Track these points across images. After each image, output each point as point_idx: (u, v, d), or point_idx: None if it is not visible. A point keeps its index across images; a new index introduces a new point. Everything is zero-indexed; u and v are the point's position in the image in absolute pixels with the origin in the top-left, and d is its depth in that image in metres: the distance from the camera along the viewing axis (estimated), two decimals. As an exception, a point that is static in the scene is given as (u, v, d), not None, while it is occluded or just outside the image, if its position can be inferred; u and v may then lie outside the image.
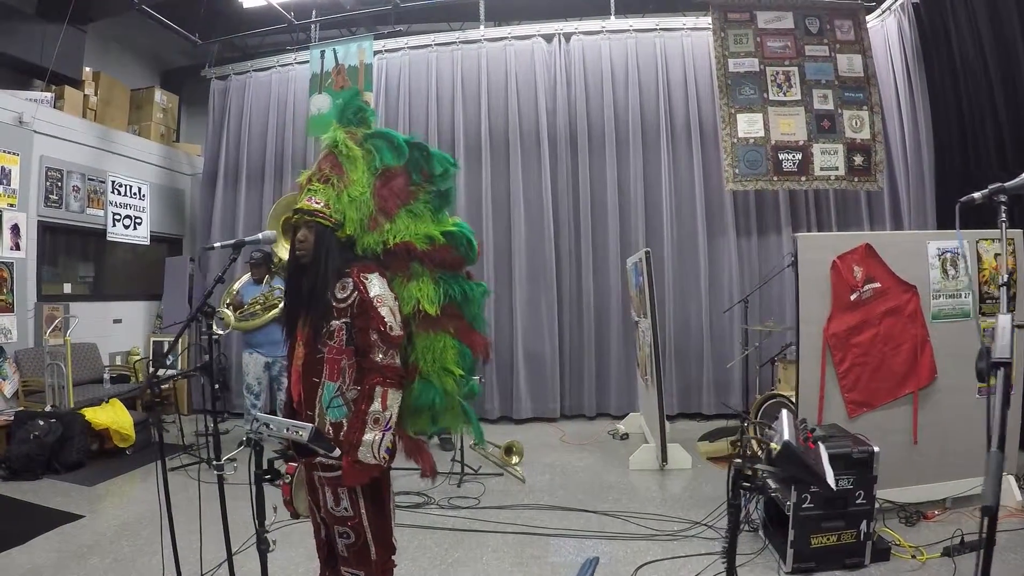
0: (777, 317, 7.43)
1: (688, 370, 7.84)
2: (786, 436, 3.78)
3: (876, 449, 3.81)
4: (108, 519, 5.04)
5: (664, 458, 5.84)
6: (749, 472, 2.64)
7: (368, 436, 2.42)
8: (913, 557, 3.82)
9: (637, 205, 8.01)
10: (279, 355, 6.92)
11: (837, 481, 3.52)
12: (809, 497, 3.70)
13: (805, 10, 7.86)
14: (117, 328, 8.91)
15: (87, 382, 7.83)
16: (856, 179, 7.70)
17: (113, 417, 6.68)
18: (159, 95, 9.37)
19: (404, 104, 8.29)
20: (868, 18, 8.04)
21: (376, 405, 2.45)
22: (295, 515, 2.75)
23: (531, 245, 8.08)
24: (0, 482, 5.92)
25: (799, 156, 7.67)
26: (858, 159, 7.70)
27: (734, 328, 7.72)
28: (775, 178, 7.67)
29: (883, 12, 8.02)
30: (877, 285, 4.54)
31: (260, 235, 3.06)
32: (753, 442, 5.70)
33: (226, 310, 6.96)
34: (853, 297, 4.52)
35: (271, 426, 2.41)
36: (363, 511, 2.56)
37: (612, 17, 8.19)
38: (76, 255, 8.77)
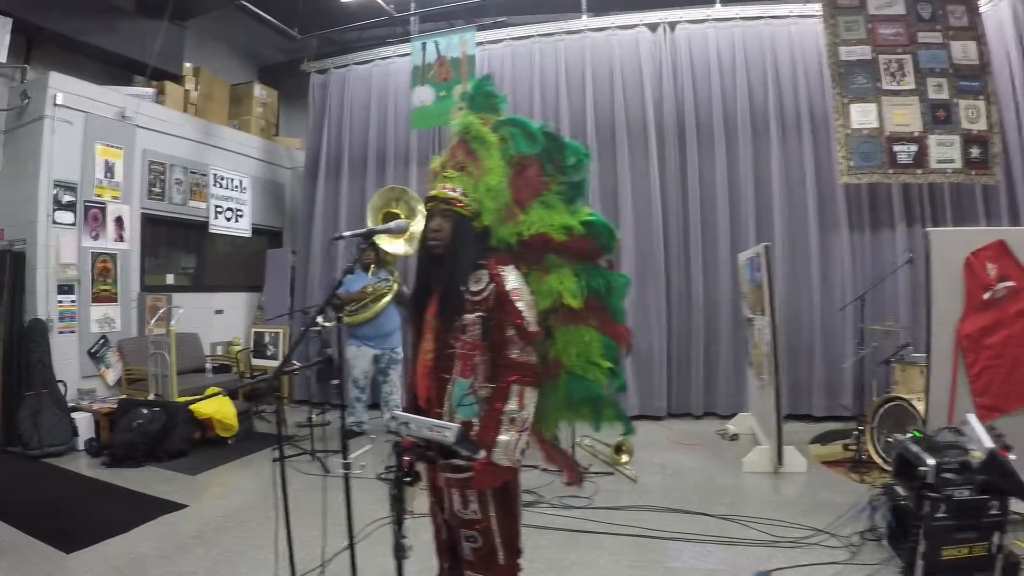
0: (891, 316, 7.02)
1: (798, 370, 7.45)
2: (987, 444, 3.56)
3: (1014, 457, 3.48)
4: (212, 509, 4.93)
5: (780, 461, 5.54)
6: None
7: (504, 437, 2.26)
8: None
9: (747, 198, 7.65)
10: (387, 348, 6.74)
11: (971, 489, 3.33)
12: (943, 506, 3.35)
13: None
14: (218, 319, 8.82)
15: (189, 371, 7.81)
16: (973, 172, 7.19)
17: (216, 407, 6.64)
18: (258, 89, 9.24)
19: (509, 94, 7.90)
20: (980, 3, 7.47)
21: (512, 404, 2.29)
22: (408, 513, 2.52)
23: (639, 239, 7.78)
24: (103, 468, 5.89)
25: (914, 148, 7.20)
26: (975, 151, 7.19)
27: (846, 327, 7.33)
28: (890, 171, 7.22)
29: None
30: (1011, 284, 4.25)
31: (393, 224, 2.82)
32: (869, 447, 5.52)
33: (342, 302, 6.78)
34: (986, 296, 4.26)
35: (411, 425, 2.18)
36: (492, 514, 2.40)
37: (718, 5, 7.83)
38: (178, 246, 8.69)
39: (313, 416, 6.73)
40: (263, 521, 4.55)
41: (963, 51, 7.32)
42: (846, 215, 7.52)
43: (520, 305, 2.35)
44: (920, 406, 5.00)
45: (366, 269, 6.75)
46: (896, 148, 7.21)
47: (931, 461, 3.40)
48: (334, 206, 8.51)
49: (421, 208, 6.78)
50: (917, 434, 3.90)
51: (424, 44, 7.92)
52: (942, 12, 7.35)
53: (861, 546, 3.95)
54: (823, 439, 6.50)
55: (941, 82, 7.29)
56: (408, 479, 2.33)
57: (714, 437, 6.82)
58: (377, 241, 6.61)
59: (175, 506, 4.92)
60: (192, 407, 6.41)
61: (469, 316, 2.36)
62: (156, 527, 4.53)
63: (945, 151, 7.21)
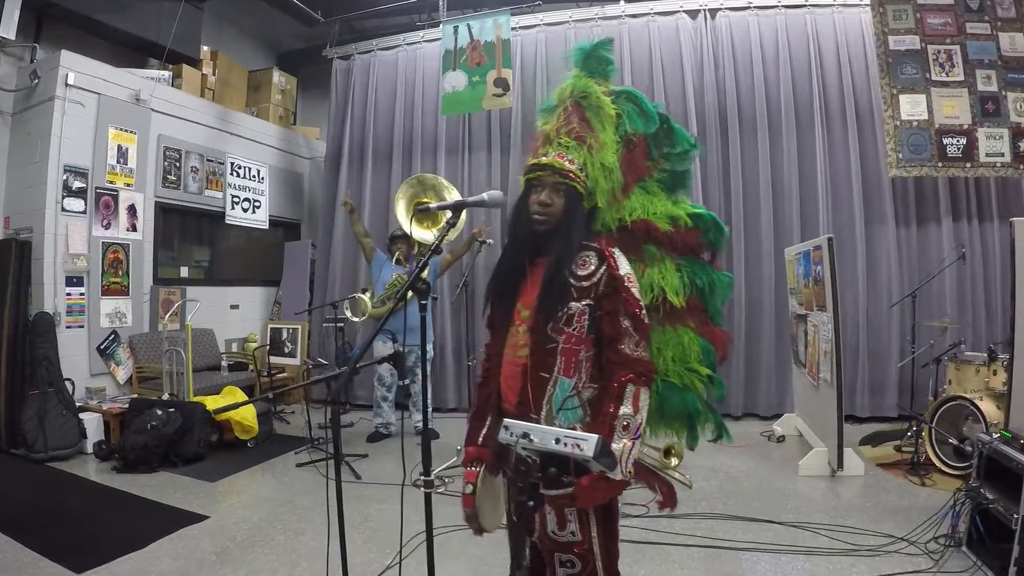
0: (939, 314, 6.49)
1: (843, 368, 6.82)
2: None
3: None
4: (236, 521, 4.29)
5: (840, 464, 5.06)
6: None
7: (616, 446, 1.86)
8: None
9: (791, 192, 7.05)
10: (415, 343, 6.07)
11: None
12: None
13: None
14: (233, 314, 8.12)
15: (204, 369, 7.14)
16: (1022, 166, 6.73)
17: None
18: (277, 76, 8.52)
19: (542, 83, 7.34)
20: None
21: (627, 408, 1.91)
22: (479, 531, 2.14)
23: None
24: (114, 474, 5.22)
25: (963, 141, 6.69)
26: (1023, 145, 6.74)
27: (892, 325, 6.80)
28: (939, 164, 6.70)
29: None
30: None
31: (486, 195, 2.18)
32: (927, 448, 5.14)
33: (363, 295, 6.10)
34: None
35: (533, 437, 1.68)
36: (594, 535, 2.04)
37: (759, -10, 7.23)
38: (192, 238, 7.98)
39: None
40: (293, 535, 4.03)
41: (1011, 43, 6.87)
42: (892, 209, 6.98)
43: (636, 293, 2.00)
44: (984, 405, 4.76)
45: (398, 261, 6.13)
46: (946, 140, 6.73)
47: None
48: (357, 197, 7.72)
49: (453, 196, 6.15)
50: (1007, 434, 3.61)
51: (456, 28, 7.22)
52: (990, 3, 6.90)
53: (943, 553, 3.61)
54: (873, 440, 6.03)
55: (990, 74, 6.82)
56: (532, 504, 1.80)
57: (759, 439, 6.25)
58: (407, 231, 6.02)
59: (195, 517, 4.29)
60: (210, 407, 5.72)
61: (576, 304, 1.97)
62: (175, 542, 3.92)
63: (994, 144, 6.76)
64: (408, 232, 6.01)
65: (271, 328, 8.08)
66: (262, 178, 8.21)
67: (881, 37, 6.80)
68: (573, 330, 1.98)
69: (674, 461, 5.20)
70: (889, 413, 6.70)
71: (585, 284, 1.99)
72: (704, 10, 7.25)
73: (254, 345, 7.87)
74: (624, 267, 2.02)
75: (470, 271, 6.45)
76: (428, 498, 2.21)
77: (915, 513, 4.19)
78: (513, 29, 7.29)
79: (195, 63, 7.69)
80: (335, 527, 2.46)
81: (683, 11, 7.23)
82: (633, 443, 1.90)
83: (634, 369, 1.94)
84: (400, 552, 3.47)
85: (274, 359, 7.58)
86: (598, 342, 2.00)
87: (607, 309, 1.98)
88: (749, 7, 7.22)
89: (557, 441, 1.65)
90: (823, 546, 3.80)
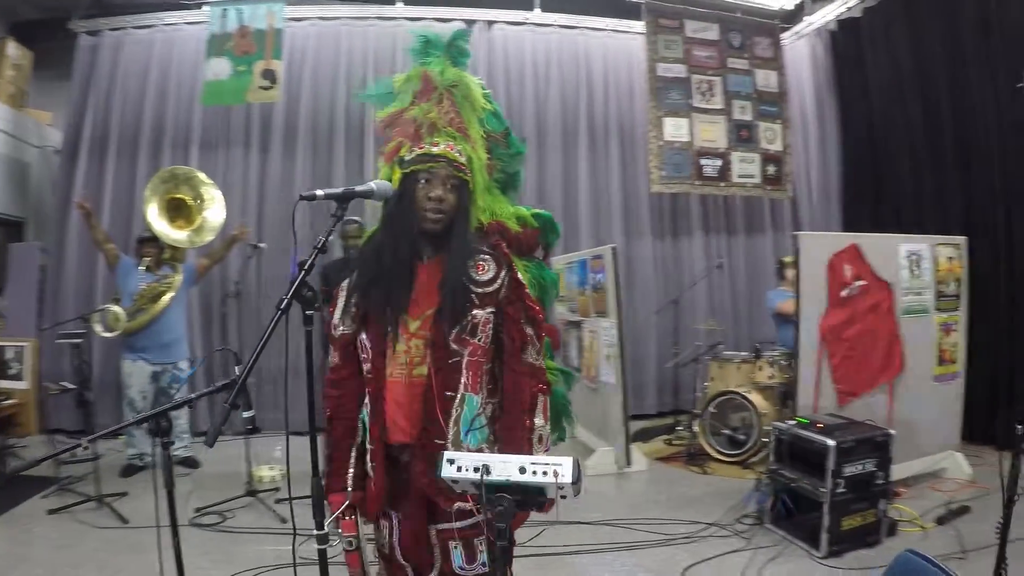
0: (700, 318, 6.81)
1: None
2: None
3: (893, 432, 3.84)
4: None
5: (628, 461, 5.27)
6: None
7: None
8: (923, 528, 3.88)
9: (555, 204, 7.10)
10: (169, 361, 5.31)
11: (862, 464, 3.66)
12: (843, 482, 3.58)
13: (729, 24, 7.43)
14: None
15: None
16: (769, 187, 7.46)
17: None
18: (12, 48, 7.23)
19: (309, 80, 6.86)
20: (784, 37, 7.76)
21: (539, 419, 1.84)
22: None
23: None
24: None
25: (719, 162, 7.24)
26: (771, 169, 7.44)
27: (650, 330, 7.12)
28: (697, 182, 7.16)
29: (797, 36, 7.85)
30: (863, 283, 4.48)
31: (373, 184, 1.85)
32: (702, 439, 5.49)
33: (114, 306, 5.17)
34: (843, 294, 4.43)
35: (492, 469, 1.44)
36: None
37: (537, 10, 7.25)
38: None
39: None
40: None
41: (766, 79, 7.56)
42: (649, 223, 7.40)
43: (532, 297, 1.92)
44: (753, 397, 5.27)
45: (148, 268, 5.28)
46: (703, 161, 7.19)
47: (831, 442, 3.57)
48: (97, 194, 6.67)
49: (212, 194, 5.44)
50: (803, 420, 3.98)
51: (225, 11, 6.49)
52: (750, 42, 7.54)
53: (751, 532, 3.90)
54: (641, 437, 6.25)
55: (745, 104, 7.44)
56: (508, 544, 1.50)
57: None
58: (158, 231, 5.19)
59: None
60: None
61: (480, 312, 1.81)
62: None
63: (747, 167, 7.35)
64: (158, 234, 5.22)
65: (-12, 343, 6.83)
66: (-21, 165, 6.93)
67: (652, 63, 7.12)
68: (479, 341, 1.80)
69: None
70: (649, 411, 7.02)
71: (488, 290, 1.82)
72: (482, 21, 7.15)
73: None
74: (519, 272, 1.92)
75: (242, 279, 5.66)
76: (323, 558, 1.74)
77: (709, 499, 4.48)
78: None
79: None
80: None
81: (461, 20, 7.03)
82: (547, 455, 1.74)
83: (540, 378, 1.86)
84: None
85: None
86: (496, 351, 1.87)
87: (512, 316, 1.84)
88: (526, 23, 7.23)
89: (523, 471, 1.43)
90: (641, 540, 3.85)
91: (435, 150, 1.85)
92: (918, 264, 4.73)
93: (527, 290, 1.90)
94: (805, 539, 3.66)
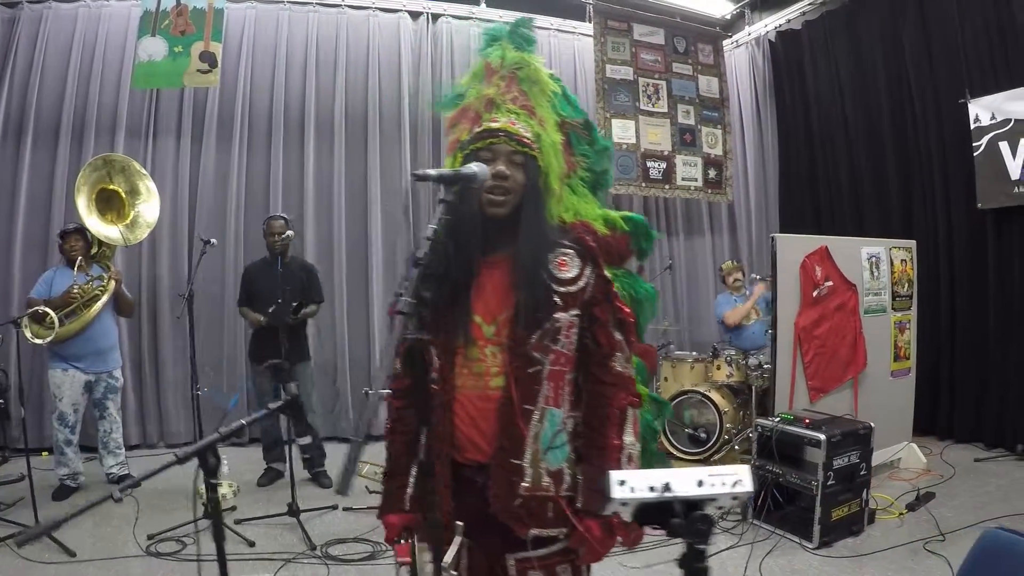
0: (657, 318, 6.66)
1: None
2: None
3: (872, 425, 3.99)
4: None
5: None
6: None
7: None
8: (900, 515, 4.08)
9: None
10: (103, 370, 4.83)
11: (848, 456, 3.77)
12: (832, 475, 3.67)
13: (674, 29, 7.45)
14: None
15: None
16: (710, 191, 7.53)
17: None
18: None
19: (246, 65, 6.43)
20: (724, 45, 7.87)
21: (629, 436, 1.62)
22: None
23: (388, 238, 6.63)
24: None
25: (664, 165, 7.24)
26: (712, 173, 7.51)
27: None
28: (643, 184, 7.13)
29: (736, 45, 7.98)
30: (831, 283, 4.65)
31: (475, 166, 1.52)
32: (663, 438, 5.42)
33: (49, 310, 4.53)
34: (815, 294, 4.58)
35: (673, 487, 1.21)
36: None
37: (483, 4, 7.08)
38: None
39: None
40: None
41: (708, 85, 7.65)
42: None
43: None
44: (713, 396, 5.30)
45: (71, 264, 4.74)
46: (649, 164, 7.18)
47: (822, 436, 3.66)
48: (11, 180, 6.08)
49: (148, 186, 4.99)
50: (788, 416, 4.04)
51: None
52: (694, 48, 7.60)
53: (739, 527, 3.95)
54: None
55: (689, 109, 7.50)
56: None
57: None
58: (89, 226, 4.73)
59: None
60: None
61: (564, 316, 1.58)
62: None
63: (689, 170, 7.40)
64: (90, 229, 4.74)
65: None
66: None
67: (600, 65, 7.05)
68: (562, 348, 1.58)
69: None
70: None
71: (572, 289, 1.60)
72: (427, 13, 6.91)
73: None
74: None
75: (192, 277, 5.11)
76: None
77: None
78: None
79: None
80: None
81: (406, 11, 6.81)
82: None
83: (630, 390, 1.64)
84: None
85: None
86: (581, 360, 1.64)
87: (600, 319, 1.63)
88: (472, 17, 7.02)
89: (701, 484, 1.22)
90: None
91: (494, 125, 1.66)
92: (877, 266, 5.00)
93: (616, 290, 1.71)
94: (795, 531, 3.76)
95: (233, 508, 4.32)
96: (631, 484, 1.24)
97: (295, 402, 1.89)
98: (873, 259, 4.95)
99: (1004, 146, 5.52)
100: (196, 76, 5.94)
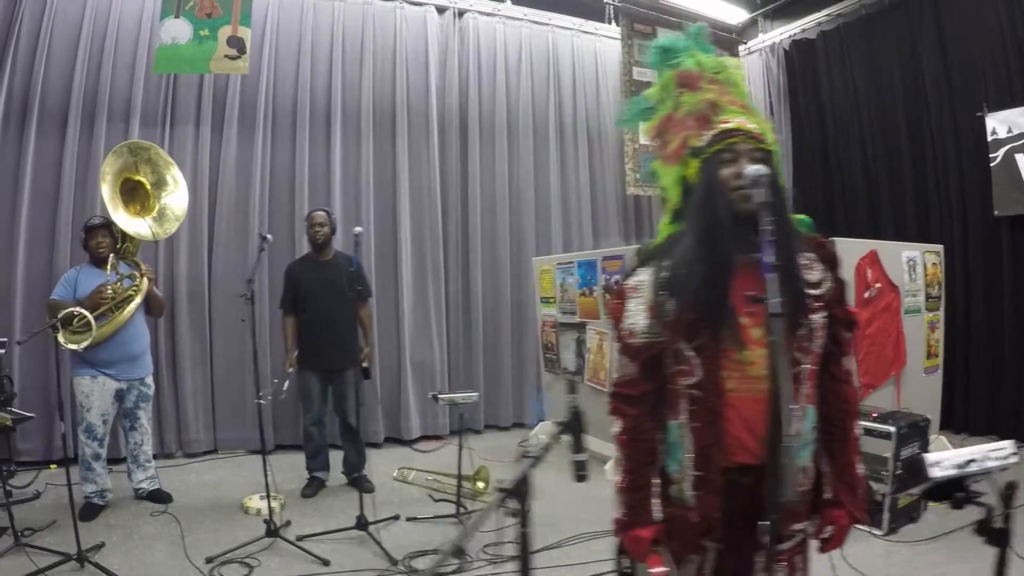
0: None
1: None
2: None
3: (930, 417, 4.17)
4: None
5: None
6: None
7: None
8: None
9: (528, 201, 7.01)
10: (135, 378, 4.42)
11: (912, 447, 3.92)
12: (901, 464, 3.78)
13: None
14: None
15: None
16: None
17: None
18: None
19: (270, 53, 6.11)
20: (741, 50, 8.03)
21: (858, 428, 1.76)
22: None
23: (416, 236, 6.47)
24: None
25: None
26: None
27: None
28: None
29: (749, 51, 8.08)
30: (880, 285, 4.75)
31: (753, 168, 1.55)
32: None
33: (85, 312, 4.09)
34: (866, 295, 4.66)
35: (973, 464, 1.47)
36: None
37: (508, 2, 6.99)
38: None
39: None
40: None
41: None
42: (617, 224, 7.45)
43: None
44: None
45: (100, 262, 4.35)
46: None
47: (892, 428, 3.84)
48: (15, 172, 5.49)
49: (173, 175, 4.66)
50: None
51: None
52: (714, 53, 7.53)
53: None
54: None
55: None
56: None
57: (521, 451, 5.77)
58: (116, 220, 4.34)
59: None
60: None
61: (816, 317, 1.61)
62: None
63: None
64: (118, 224, 4.36)
65: None
66: None
67: (627, 67, 7.08)
68: (817, 347, 1.63)
69: (480, 485, 4.60)
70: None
71: (819, 292, 1.64)
72: (453, 8, 6.77)
73: None
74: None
75: (253, 276, 4.62)
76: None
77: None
78: (243, -16, 5.97)
79: None
80: None
81: (432, 4, 6.66)
82: None
83: (853, 384, 1.76)
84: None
85: None
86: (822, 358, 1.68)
87: (841, 319, 1.69)
88: (497, 15, 6.93)
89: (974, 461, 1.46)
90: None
91: (729, 125, 1.66)
92: (914, 269, 5.15)
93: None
94: (872, 520, 3.79)
95: (288, 523, 4.00)
96: (942, 464, 1.50)
97: (578, 416, 1.80)
98: (911, 262, 5.14)
99: (1021, 158, 5.75)
100: (224, 62, 5.60)
